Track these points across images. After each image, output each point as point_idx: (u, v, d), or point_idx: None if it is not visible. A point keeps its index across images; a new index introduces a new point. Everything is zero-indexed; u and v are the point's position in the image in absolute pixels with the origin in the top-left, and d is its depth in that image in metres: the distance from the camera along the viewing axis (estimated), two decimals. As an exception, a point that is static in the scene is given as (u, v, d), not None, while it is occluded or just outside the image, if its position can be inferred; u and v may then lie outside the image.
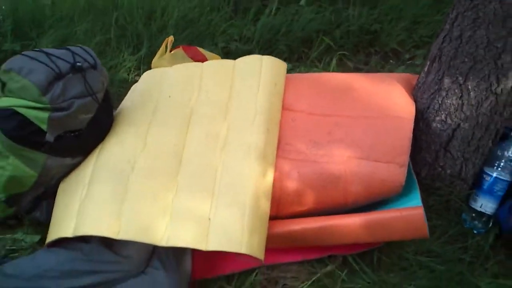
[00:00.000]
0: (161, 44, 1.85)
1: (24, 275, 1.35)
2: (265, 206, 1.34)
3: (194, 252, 1.44)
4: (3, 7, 2.54)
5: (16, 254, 1.53)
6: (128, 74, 2.32)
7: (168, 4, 2.67)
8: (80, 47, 1.44)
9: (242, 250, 1.25)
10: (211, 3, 2.75)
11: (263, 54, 1.79)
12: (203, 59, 1.79)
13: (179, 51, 1.80)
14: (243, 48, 2.48)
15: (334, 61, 2.33)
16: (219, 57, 1.90)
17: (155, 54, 1.97)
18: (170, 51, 1.82)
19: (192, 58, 1.78)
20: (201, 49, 1.85)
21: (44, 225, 1.61)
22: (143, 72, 2.32)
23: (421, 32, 2.79)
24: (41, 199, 1.55)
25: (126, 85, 2.13)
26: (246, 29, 2.61)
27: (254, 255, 1.26)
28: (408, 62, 2.68)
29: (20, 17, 2.50)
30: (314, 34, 2.65)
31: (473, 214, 1.54)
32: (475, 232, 1.55)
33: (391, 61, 2.70)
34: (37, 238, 1.57)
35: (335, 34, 2.68)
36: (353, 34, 2.70)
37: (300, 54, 2.58)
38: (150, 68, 2.32)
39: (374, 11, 2.81)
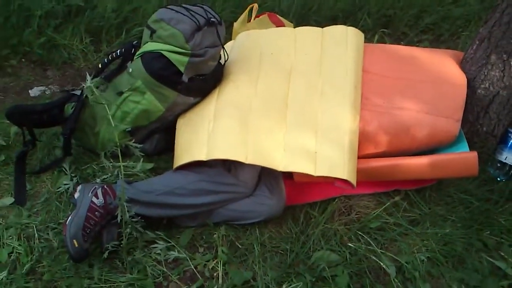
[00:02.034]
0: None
1: (156, 191, 1.62)
2: (356, 145, 1.68)
3: (284, 183, 1.76)
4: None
5: (131, 178, 1.80)
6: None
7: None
8: (207, 6, 1.71)
9: (345, 176, 1.59)
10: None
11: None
12: (282, 25, 2.10)
13: (265, 17, 2.10)
14: (282, 20, 2.78)
15: (376, 37, 2.68)
16: (292, 24, 2.21)
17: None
18: (255, 17, 2.10)
19: (274, 24, 2.08)
20: (279, 16, 2.15)
21: (148, 156, 1.89)
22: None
23: (426, 20, 3.20)
24: (154, 133, 1.82)
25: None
26: (282, 3, 2.92)
27: (351, 181, 1.61)
28: (416, 44, 3.08)
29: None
30: (340, 14, 3.00)
31: (498, 165, 1.95)
32: (498, 179, 1.96)
33: (401, 42, 3.08)
34: (150, 166, 1.84)
35: (357, 15, 3.04)
36: (372, 16, 3.06)
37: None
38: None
39: (388, -2, 3.18)
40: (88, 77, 1.35)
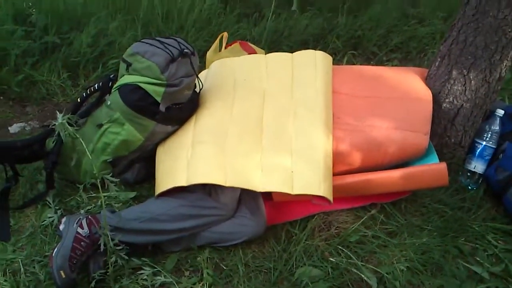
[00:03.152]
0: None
1: (140, 218, 1.66)
2: (330, 163, 1.75)
3: (265, 203, 1.81)
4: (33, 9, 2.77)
5: (115, 207, 1.82)
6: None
7: (182, 6, 3.02)
8: (180, 37, 1.79)
9: (320, 193, 1.65)
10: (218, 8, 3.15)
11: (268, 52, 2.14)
12: (254, 52, 2.18)
13: (237, 45, 2.18)
14: (254, 47, 2.87)
15: (345, 59, 2.78)
16: (264, 51, 2.29)
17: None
18: (226, 46, 2.19)
19: (246, 51, 2.16)
20: (250, 44, 2.24)
21: (130, 185, 1.94)
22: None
23: (395, 40, 3.33)
24: (134, 163, 1.87)
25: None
26: (254, 31, 3.02)
27: (328, 197, 1.67)
28: (386, 63, 3.19)
29: (57, 14, 2.75)
30: (310, 38, 3.11)
31: (468, 174, 2.04)
32: (469, 188, 2.05)
33: (372, 62, 3.20)
34: (132, 194, 1.88)
35: (327, 38, 3.15)
36: (341, 38, 3.18)
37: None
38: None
39: (357, 20, 3.31)
40: (59, 115, 1.39)
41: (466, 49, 1.89)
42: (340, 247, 1.79)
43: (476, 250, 1.82)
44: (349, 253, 1.77)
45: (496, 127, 2.00)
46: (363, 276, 1.69)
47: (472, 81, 1.91)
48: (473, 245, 1.84)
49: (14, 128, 2.41)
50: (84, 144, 1.55)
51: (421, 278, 1.71)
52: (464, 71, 1.91)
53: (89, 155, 1.61)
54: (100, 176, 1.48)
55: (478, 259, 1.79)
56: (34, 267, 1.66)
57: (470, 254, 1.81)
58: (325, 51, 2.07)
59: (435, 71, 2.00)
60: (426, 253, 1.79)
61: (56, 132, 1.48)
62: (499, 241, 1.86)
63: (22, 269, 1.65)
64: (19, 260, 1.68)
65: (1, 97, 2.58)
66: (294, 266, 1.72)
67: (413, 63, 3.18)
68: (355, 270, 1.71)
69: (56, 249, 1.57)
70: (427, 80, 2.02)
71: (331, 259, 1.75)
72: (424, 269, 1.74)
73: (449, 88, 1.95)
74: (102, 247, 1.55)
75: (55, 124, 1.39)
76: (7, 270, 1.65)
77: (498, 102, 2.14)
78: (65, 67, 2.69)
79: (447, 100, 1.97)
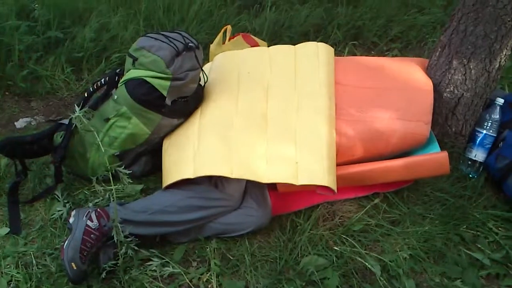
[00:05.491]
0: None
1: (148, 210, 1.69)
2: (333, 153, 1.78)
3: (270, 194, 1.85)
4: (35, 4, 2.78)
5: (123, 200, 1.86)
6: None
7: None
8: (184, 31, 1.81)
9: (325, 183, 1.68)
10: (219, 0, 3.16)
11: (270, 45, 2.17)
12: (256, 45, 2.20)
13: (239, 38, 2.20)
14: (255, 39, 2.89)
15: (347, 49, 2.80)
16: (266, 43, 2.32)
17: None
18: (229, 39, 2.21)
19: (249, 44, 2.18)
20: (253, 36, 2.26)
21: (137, 177, 1.96)
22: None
23: (395, 30, 3.34)
24: (141, 156, 1.90)
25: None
26: (255, 22, 3.03)
27: (332, 187, 1.70)
28: (386, 53, 3.21)
29: (59, 9, 2.76)
30: (311, 29, 3.12)
31: (469, 162, 2.07)
32: (470, 176, 2.08)
33: (372, 52, 3.22)
34: (139, 187, 1.91)
35: (328, 29, 3.17)
36: (342, 29, 3.19)
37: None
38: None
39: (356, 10, 3.32)
40: (76, 108, 1.43)
41: (466, 39, 1.92)
42: (344, 236, 1.82)
43: (477, 238, 1.86)
44: (353, 242, 1.80)
45: (496, 115, 2.03)
46: (367, 264, 1.73)
47: (472, 71, 1.94)
48: (474, 232, 1.88)
49: (20, 123, 2.44)
50: (97, 137, 1.58)
51: (424, 266, 1.75)
52: (464, 60, 1.93)
53: (102, 148, 1.65)
54: (112, 169, 1.51)
55: (479, 246, 1.82)
56: (45, 260, 1.70)
57: (472, 241, 1.85)
58: (326, 42, 2.09)
59: (436, 61, 2.02)
60: (429, 241, 1.83)
61: (65, 127, 1.52)
62: (499, 228, 1.89)
63: (34, 261, 1.69)
64: (31, 252, 1.71)
65: (7, 93, 2.60)
66: (299, 256, 1.76)
67: (414, 53, 3.19)
68: (359, 259, 1.75)
69: (66, 241, 1.60)
70: (428, 70, 2.05)
71: (335, 248, 1.78)
72: (426, 256, 1.78)
73: (449, 77, 1.98)
74: (115, 238, 1.59)
75: (61, 118, 1.43)
76: (19, 262, 1.68)
77: (498, 91, 2.17)
78: (69, 62, 2.71)
79: (447, 89, 2.00)
